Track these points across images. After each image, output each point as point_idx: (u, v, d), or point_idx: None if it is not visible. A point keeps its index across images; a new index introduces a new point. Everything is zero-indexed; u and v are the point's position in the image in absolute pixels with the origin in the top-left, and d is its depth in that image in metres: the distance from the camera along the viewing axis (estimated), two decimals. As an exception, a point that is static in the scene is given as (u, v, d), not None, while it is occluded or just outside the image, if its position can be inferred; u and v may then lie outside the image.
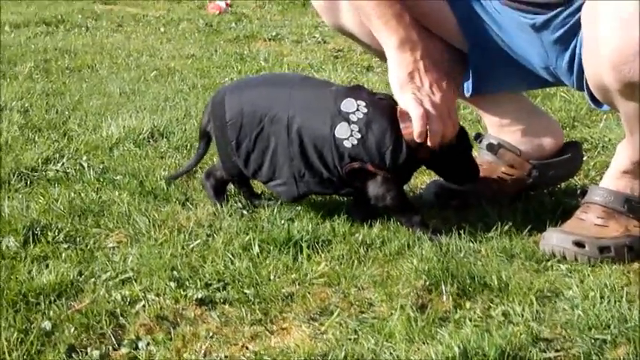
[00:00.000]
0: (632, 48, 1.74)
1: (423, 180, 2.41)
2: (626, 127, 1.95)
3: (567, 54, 2.02)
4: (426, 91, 2.00)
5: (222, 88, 2.25)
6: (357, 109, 2.01)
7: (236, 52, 4.47)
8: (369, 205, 2.07)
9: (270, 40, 4.94)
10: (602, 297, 1.70)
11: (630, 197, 1.98)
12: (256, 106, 2.08)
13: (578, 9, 1.93)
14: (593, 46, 1.83)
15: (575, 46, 2.00)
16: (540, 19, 2.01)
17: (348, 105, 2.02)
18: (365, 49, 2.38)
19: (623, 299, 1.70)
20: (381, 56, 2.16)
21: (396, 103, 2.04)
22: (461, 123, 2.12)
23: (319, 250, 1.96)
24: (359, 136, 2.00)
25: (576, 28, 1.96)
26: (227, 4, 6.06)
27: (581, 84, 2.02)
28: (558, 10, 1.99)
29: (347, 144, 2.00)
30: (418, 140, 1.97)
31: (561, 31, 2.00)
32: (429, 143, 1.98)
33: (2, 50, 4.46)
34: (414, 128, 1.96)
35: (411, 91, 2.00)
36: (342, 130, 2.01)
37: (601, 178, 2.34)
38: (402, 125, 1.99)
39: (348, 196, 2.16)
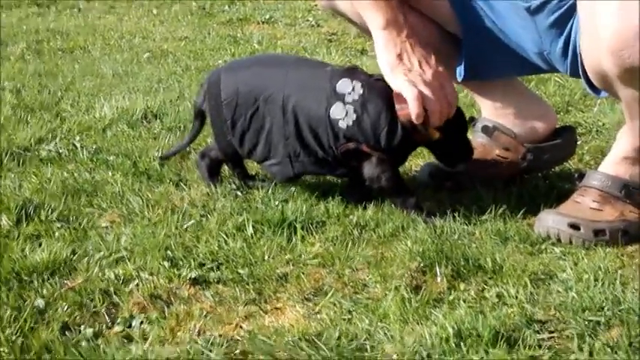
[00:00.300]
0: (631, 32, 1.73)
1: (417, 162, 2.41)
2: (626, 113, 1.95)
3: (562, 39, 2.02)
4: (417, 71, 1.98)
5: (218, 68, 2.24)
6: (353, 90, 2.01)
7: (229, 35, 4.46)
8: (364, 186, 2.06)
9: (263, 22, 4.92)
10: (596, 279, 1.70)
11: (628, 183, 1.97)
12: (252, 86, 2.07)
13: (574, -9, 1.93)
14: (591, 31, 1.82)
15: (570, 31, 1.99)
16: (535, 1, 2.00)
17: (344, 85, 2.01)
18: (359, 30, 2.37)
19: (617, 282, 1.70)
20: (374, 38, 2.15)
21: None
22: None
23: (313, 232, 1.96)
24: (354, 116, 1.99)
25: (571, 11, 1.95)
26: (220, -13, 6.03)
27: (575, 70, 2.01)
28: (554, -8, 1.98)
29: (342, 124, 2.00)
30: (417, 122, 1.96)
31: (556, 14, 1.99)
32: (431, 123, 1.97)
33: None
34: (410, 110, 1.95)
35: (403, 73, 1.98)
36: (337, 111, 2.00)
37: (595, 163, 2.35)
38: (397, 106, 1.98)
39: (343, 177, 2.16)
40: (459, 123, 2.08)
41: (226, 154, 2.17)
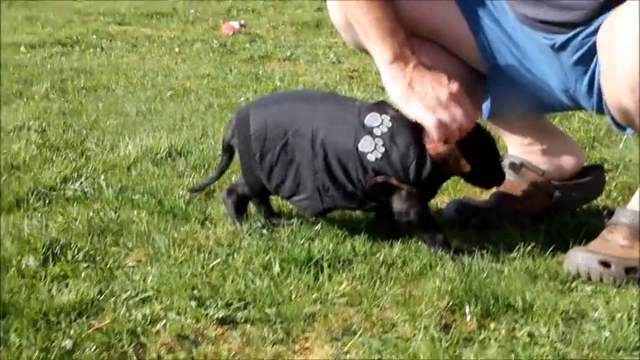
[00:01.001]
0: None
1: (442, 199, 2.39)
2: (649, 149, 1.94)
3: (587, 77, 2.01)
4: (431, 95, 1.98)
5: (246, 104, 2.25)
6: (382, 123, 2.00)
7: (251, 72, 4.48)
8: (392, 222, 2.05)
9: (284, 60, 4.95)
10: (629, 319, 1.68)
11: (658, 219, 1.96)
12: (281, 120, 2.07)
13: (598, 29, 1.92)
14: (610, 68, 1.82)
15: (595, 69, 1.98)
16: (559, 39, 2.00)
17: (372, 119, 2.01)
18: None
19: (651, 321, 1.68)
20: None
21: None
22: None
23: (340, 270, 1.94)
24: (383, 149, 1.99)
25: (595, 49, 1.94)
26: (241, 25, 6.08)
27: (601, 107, 2.00)
28: (577, 30, 1.97)
29: (371, 157, 1.99)
30: (439, 142, 1.95)
31: (580, 52, 1.98)
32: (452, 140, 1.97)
33: (19, 70, 4.48)
34: (432, 137, 1.95)
35: (418, 102, 1.98)
36: (365, 144, 2.00)
37: (623, 199, 2.33)
38: (426, 139, 1.98)
39: (372, 212, 2.15)
40: (488, 150, 2.06)
41: (253, 190, 2.16)
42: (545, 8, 2.00)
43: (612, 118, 1.95)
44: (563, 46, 2.00)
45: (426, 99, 1.97)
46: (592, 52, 1.96)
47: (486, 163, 2.06)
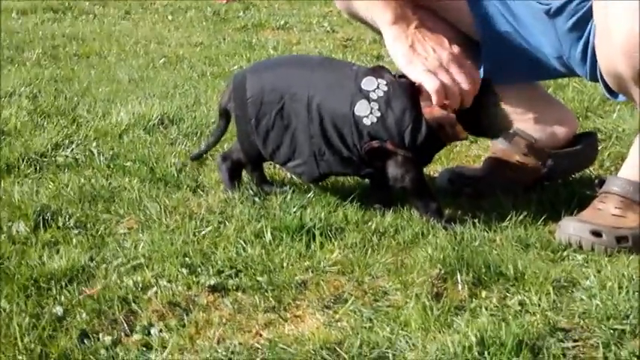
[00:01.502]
0: None
1: (435, 168, 2.39)
2: (641, 116, 1.94)
3: (581, 43, 2.00)
4: (433, 57, 1.97)
5: (243, 69, 2.23)
6: (378, 87, 1.99)
7: (244, 41, 4.45)
8: (386, 190, 2.05)
9: (278, 28, 4.91)
10: (620, 287, 1.68)
11: (649, 187, 1.95)
12: (277, 85, 2.06)
13: (593, -6, 1.91)
14: (605, 32, 1.81)
15: (589, 35, 1.97)
16: (555, 4, 2.00)
17: (369, 83, 2.00)
18: (375, 34, 2.36)
19: (642, 289, 1.68)
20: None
21: None
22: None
23: (332, 238, 1.94)
24: (378, 114, 1.98)
25: (590, 15, 1.93)
26: (235, -7, 6.04)
27: (594, 74, 1.99)
28: (572, -5, 1.97)
29: (366, 121, 1.98)
30: (438, 107, 1.94)
31: (575, 17, 1.98)
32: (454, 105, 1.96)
33: (10, 36, 4.44)
34: (433, 101, 1.94)
35: (420, 64, 1.97)
36: (361, 108, 1.98)
37: (615, 169, 2.33)
38: (422, 104, 1.97)
39: (368, 178, 2.14)
40: (487, 98, 2.02)
41: (248, 155, 2.15)
42: (542, -27, 1.99)
43: (605, 84, 1.94)
44: (559, 11, 2.00)
45: (428, 61, 1.96)
46: (587, 17, 1.95)
47: (484, 121, 2.04)
